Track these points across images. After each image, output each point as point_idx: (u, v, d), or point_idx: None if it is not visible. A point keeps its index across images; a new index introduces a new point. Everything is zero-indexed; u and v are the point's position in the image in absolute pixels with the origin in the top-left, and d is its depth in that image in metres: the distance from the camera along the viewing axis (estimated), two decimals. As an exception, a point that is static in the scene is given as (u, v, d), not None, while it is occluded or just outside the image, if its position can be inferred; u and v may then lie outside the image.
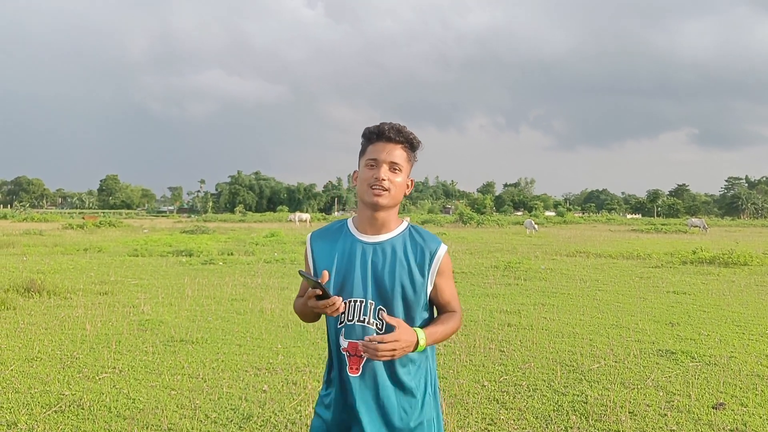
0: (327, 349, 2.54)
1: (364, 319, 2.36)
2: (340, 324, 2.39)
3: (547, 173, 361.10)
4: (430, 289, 2.43)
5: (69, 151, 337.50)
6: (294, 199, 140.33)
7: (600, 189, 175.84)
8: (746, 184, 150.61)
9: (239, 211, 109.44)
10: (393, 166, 2.38)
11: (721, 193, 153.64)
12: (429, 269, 2.41)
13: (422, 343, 2.31)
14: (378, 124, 2.43)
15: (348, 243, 2.45)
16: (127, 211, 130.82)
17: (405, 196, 2.48)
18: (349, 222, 2.52)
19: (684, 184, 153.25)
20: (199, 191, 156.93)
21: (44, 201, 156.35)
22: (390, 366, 2.37)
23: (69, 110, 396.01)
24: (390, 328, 2.31)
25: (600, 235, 37.21)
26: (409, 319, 2.38)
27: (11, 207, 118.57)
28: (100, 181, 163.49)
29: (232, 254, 20.28)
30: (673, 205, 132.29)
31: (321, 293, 2.24)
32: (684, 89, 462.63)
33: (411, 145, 2.44)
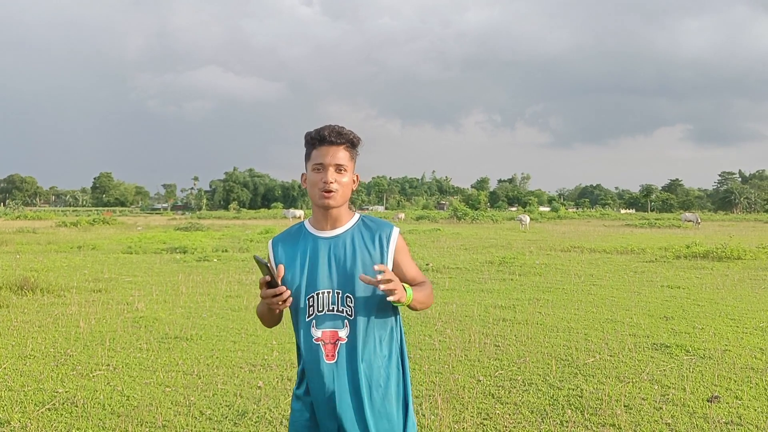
0: (296, 349, 2.64)
1: (333, 308, 2.50)
2: (309, 317, 2.51)
3: (541, 169, 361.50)
4: (390, 268, 2.56)
5: (62, 149, 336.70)
6: (288, 196, 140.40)
7: (594, 184, 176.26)
8: (739, 179, 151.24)
9: (233, 208, 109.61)
10: (338, 168, 2.53)
11: (714, 187, 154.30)
12: (387, 251, 2.57)
13: (408, 293, 2.42)
14: (319, 128, 2.57)
15: (309, 241, 2.60)
16: (121, 208, 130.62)
17: (353, 191, 2.64)
18: (306, 223, 2.68)
19: (677, 179, 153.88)
20: (192, 188, 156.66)
21: (37, 199, 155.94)
22: (362, 346, 2.49)
23: (62, 108, 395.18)
24: (358, 315, 2.48)
25: (594, 231, 37.30)
26: (375, 303, 2.51)
27: (4, 205, 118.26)
28: (94, 178, 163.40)
29: (226, 251, 20.27)
30: (666, 200, 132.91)
31: (270, 280, 2.36)
32: (682, 87, 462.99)
33: (352, 144, 2.59)
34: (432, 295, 2.65)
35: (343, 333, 2.48)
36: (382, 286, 2.31)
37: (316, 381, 2.49)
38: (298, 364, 2.63)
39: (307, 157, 2.59)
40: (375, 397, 2.48)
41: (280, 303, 2.38)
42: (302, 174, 2.64)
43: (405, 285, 2.45)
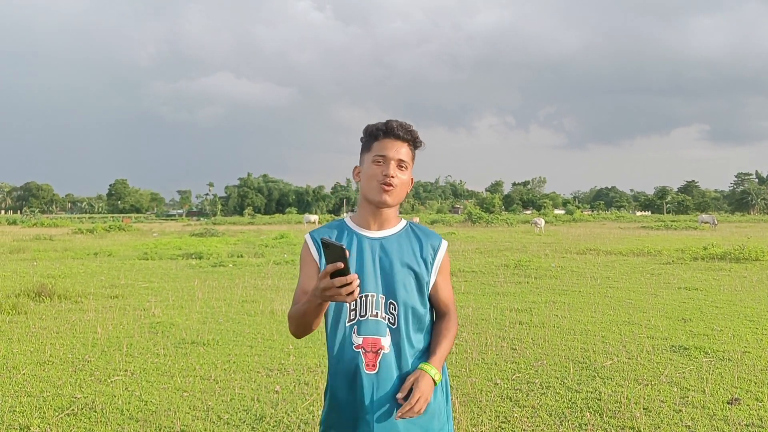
0: (328, 363, 2.45)
1: (377, 313, 2.32)
2: (351, 321, 2.33)
3: (556, 171, 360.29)
4: (432, 282, 2.42)
5: (78, 157, 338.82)
6: (303, 201, 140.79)
7: (609, 187, 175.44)
8: (756, 180, 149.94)
9: (248, 214, 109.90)
10: (400, 164, 2.38)
11: (731, 188, 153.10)
12: (432, 263, 2.42)
13: (437, 378, 2.28)
14: (385, 121, 2.42)
15: (354, 240, 2.41)
16: (136, 215, 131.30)
17: (407, 194, 2.48)
18: (348, 220, 2.50)
19: (693, 181, 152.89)
20: (207, 194, 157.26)
21: (54, 206, 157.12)
22: (405, 357, 2.32)
23: (77, 115, 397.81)
24: (401, 324, 2.32)
25: (610, 233, 37.11)
26: (418, 314, 2.37)
27: (21, 213, 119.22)
28: (109, 185, 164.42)
29: (241, 256, 20.32)
30: (682, 202, 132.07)
31: (342, 267, 1.99)
32: (697, 87, 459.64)
33: (415, 144, 2.45)
34: (454, 335, 2.46)
35: (386, 342, 2.31)
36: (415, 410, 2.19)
37: (351, 392, 2.31)
38: (328, 382, 2.44)
39: (367, 148, 2.44)
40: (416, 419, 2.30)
41: (347, 295, 2.01)
42: (355, 167, 2.49)
43: (426, 368, 2.28)
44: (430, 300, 2.45)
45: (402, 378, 2.30)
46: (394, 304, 2.32)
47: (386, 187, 2.35)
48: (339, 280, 1.99)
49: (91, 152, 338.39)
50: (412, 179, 2.49)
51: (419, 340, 2.39)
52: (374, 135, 2.42)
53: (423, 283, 2.38)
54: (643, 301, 10.74)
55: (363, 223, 2.44)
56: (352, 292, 2.01)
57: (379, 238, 2.41)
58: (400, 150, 2.38)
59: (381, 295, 2.33)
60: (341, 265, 1.98)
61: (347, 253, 1.99)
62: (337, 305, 2.35)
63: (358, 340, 2.32)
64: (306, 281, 2.39)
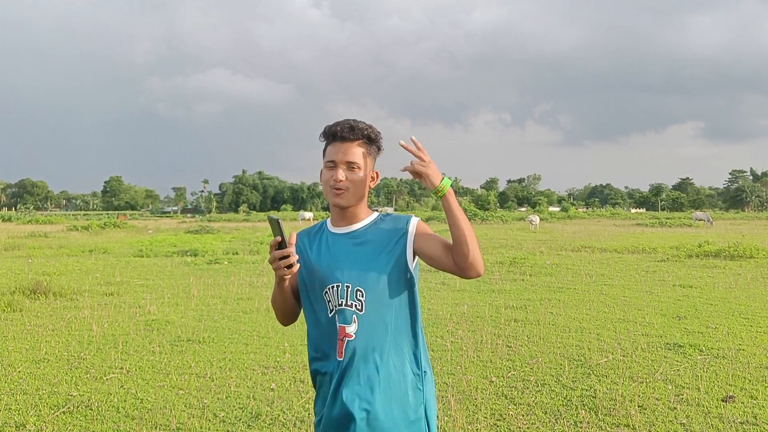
0: (307, 350, 2.55)
1: (342, 302, 2.39)
2: (331, 312, 2.41)
3: (552, 168, 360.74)
4: (410, 256, 2.42)
5: (73, 153, 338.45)
6: (298, 198, 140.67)
7: (604, 184, 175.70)
8: (750, 177, 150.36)
9: (243, 211, 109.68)
10: (350, 166, 2.41)
11: (725, 186, 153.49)
12: (406, 239, 2.42)
13: (446, 181, 2.36)
14: (333, 123, 2.45)
15: (325, 237, 2.53)
16: (131, 212, 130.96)
17: (371, 188, 2.52)
18: (328, 221, 2.60)
19: (688, 178, 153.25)
20: (202, 191, 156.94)
21: (48, 203, 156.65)
22: (372, 342, 2.38)
23: (72, 112, 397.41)
24: (369, 310, 2.37)
25: (605, 230, 37.16)
26: (390, 300, 2.40)
27: (16, 209, 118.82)
28: (104, 182, 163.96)
29: (237, 253, 20.29)
30: (677, 199, 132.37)
31: (280, 240, 2.28)
32: (693, 84, 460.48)
33: (369, 139, 2.46)
34: (472, 229, 2.39)
35: (351, 329, 2.36)
36: (413, 152, 2.31)
37: (326, 379, 2.41)
38: (310, 365, 2.53)
39: (323, 152, 2.49)
40: (388, 402, 2.33)
41: (286, 268, 2.27)
42: (321, 170, 2.51)
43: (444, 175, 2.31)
44: (427, 256, 2.42)
45: (370, 364, 2.36)
46: (361, 291, 2.38)
47: (336, 191, 2.42)
48: (278, 253, 2.27)
49: (86, 149, 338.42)
50: (376, 173, 2.54)
51: (395, 327, 2.42)
52: (326, 139, 2.48)
53: (401, 260, 2.41)
54: (638, 299, 10.77)
55: (335, 222, 2.54)
56: (291, 265, 2.28)
57: (348, 232, 2.49)
58: (348, 152, 2.41)
59: (346, 284, 2.40)
60: (279, 238, 2.28)
61: (281, 225, 2.25)
62: (312, 297, 2.47)
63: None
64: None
